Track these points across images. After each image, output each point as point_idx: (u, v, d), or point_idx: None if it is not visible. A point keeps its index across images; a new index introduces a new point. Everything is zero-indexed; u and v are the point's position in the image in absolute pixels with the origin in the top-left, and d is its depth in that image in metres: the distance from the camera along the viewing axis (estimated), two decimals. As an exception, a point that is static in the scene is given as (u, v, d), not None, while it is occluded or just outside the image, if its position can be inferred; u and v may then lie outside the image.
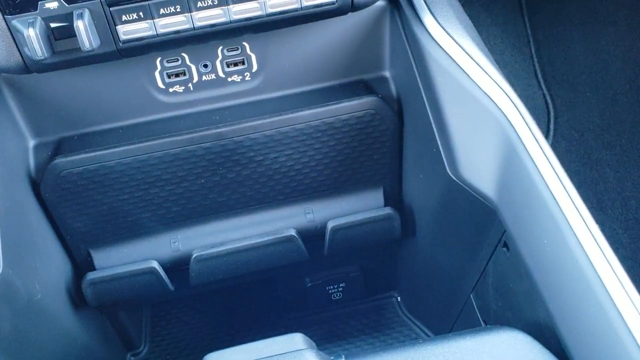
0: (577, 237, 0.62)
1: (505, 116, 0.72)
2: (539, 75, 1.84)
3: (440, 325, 1.04)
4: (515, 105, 0.74)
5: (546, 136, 1.78)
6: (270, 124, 0.87)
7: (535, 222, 0.66)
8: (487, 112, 0.73)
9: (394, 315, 1.14)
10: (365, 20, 0.86)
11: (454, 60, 0.77)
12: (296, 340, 0.63)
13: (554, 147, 1.76)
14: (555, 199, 0.65)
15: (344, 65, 0.90)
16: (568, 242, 0.62)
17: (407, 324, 1.14)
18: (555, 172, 0.67)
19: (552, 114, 1.81)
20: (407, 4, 0.83)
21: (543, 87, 1.84)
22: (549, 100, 1.82)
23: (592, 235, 0.62)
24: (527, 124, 0.73)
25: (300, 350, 0.61)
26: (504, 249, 0.75)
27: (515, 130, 0.71)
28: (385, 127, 0.89)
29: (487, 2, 1.73)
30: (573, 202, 0.65)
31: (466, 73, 0.75)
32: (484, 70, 0.77)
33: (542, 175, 0.66)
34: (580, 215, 0.64)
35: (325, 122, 0.88)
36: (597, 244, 0.62)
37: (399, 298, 1.16)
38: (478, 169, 0.73)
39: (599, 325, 0.58)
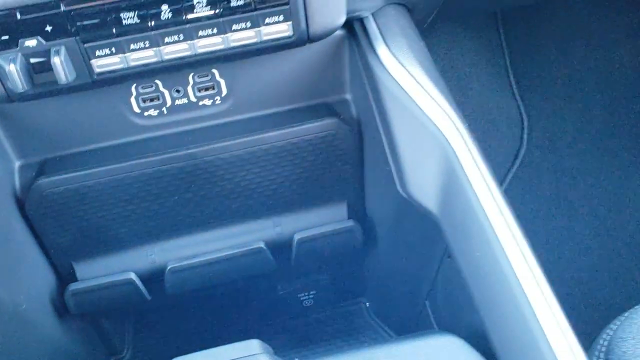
0: (504, 251, 0.68)
1: (446, 138, 0.79)
2: (514, 87, 1.91)
3: (404, 330, 1.11)
4: (456, 128, 0.81)
5: (520, 146, 1.85)
6: (238, 144, 0.94)
7: (470, 236, 0.73)
8: (431, 134, 0.80)
9: (363, 320, 1.21)
10: (326, 47, 0.93)
11: (402, 87, 0.83)
12: (253, 346, 0.69)
13: (528, 156, 1.83)
14: (486, 214, 0.71)
15: (307, 88, 0.97)
16: (497, 255, 0.69)
17: (375, 329, 1.20)
18: (490, 190, 0.74)
19: (525, 124, 1.88)
20: (363, 34, 0.90)
21: (517, 97, 1.90)
22: (522, 111, 1.88)
23: (520, 248, 0.69)
24: (466, 144, 0.79)
25: (254, 355, 0.67)
26: (449, 259, 0.82)
27: (454, 152, 0.78)
28: (346, 147, 0.96)
29: (463, 16, 1.80)
30: (504, 217, 0.71)
31: (413, 99, 0.82)
32: (430, 95, 0.83)
33: (475, 193, 0.73)
34: (510, 229, 0.70)
35: (290, 142, 0.95)
36: (524, 257, 0.69)
37: (367, 304, 1.23)
38: (423, 186, 0.80)
39: (521, 333, 0.65)
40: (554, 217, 1.72)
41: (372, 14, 0.92)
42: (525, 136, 1.86)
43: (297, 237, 0.99)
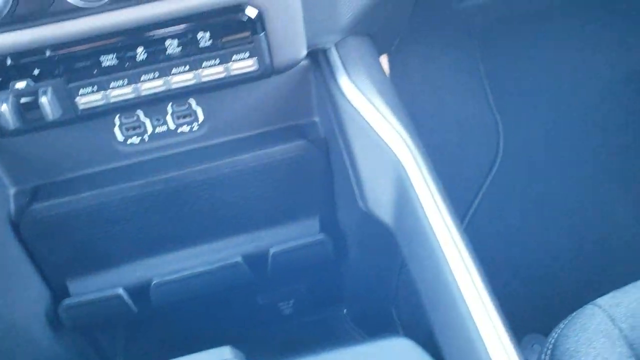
0: (447, 260, 0.76)
1: (399, 159, 0.87)
2: (490, 98, 1.98)
3: (377, 335, 1.19)
4: (409, 148, 0.89)
5: (496, 155, 1.92)
6: (215, 167, 1.02)
7: (418, 245, 0.81)
8: (386, 155, 0.89)
9: (341, 327, 1.29)
10: (293, 76, 1.01)
11: (360, 113, 0.92)
12: (225, 352, 0.77)
13: (503, 164, 1.90)
14: (431, 226, 0.80)
15: (278, 112, 1.05)
16: (440, 264, 0.77)
17: (352, 335, 1.28)
18: (437, 205, 0.82)
19: (501, 134, 1.95)
20: (326, 64, 0.98)
21: (493, 108, 1.98)
22: (499, 121, 1.96)
23: (462, 258, 0.77)
24: (417, 164, 0.88)
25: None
26: (407, 268, 0.90)
27: (405, 170, 0.86)
28: (315, 166, 1.05)
29: (439, 31, 1.87)
30: (448, 228, 0.80)
31: (369, 124, 0.91)
32: (386, 119, 0.92)
33: (423, 207, 0.81)
34: (453, 240, 0.78)
35: (263, 163, 1.03)
36: (465, 265, 0.77)
37: (345, 311, 1.31)
38: (379, 201, 0.89)
39: (461, 336, 0.73)
40: (530, 221, 1.80)
41: (335, 45, 1.00)
42: (501, 145, 1.93)
43: (272, 250, 1.07)
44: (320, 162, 1.04)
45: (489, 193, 1.87)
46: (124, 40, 0.81)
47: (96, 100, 0.86)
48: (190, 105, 1.00)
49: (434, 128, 1.92)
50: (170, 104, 0.99)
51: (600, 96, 1.94)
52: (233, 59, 0.86)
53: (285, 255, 1.08)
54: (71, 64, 0.82)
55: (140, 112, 0.99)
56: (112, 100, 0.87)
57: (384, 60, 1.85)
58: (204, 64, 0.86)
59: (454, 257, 0.76)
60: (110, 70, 0.84)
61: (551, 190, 1.84)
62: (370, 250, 1.03)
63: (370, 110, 0.92)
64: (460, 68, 2.00)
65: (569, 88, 1.96)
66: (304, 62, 0.99)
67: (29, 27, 0.78)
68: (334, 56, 0.98)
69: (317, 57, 1.00)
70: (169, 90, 0.87)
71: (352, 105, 0.93)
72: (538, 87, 1.97)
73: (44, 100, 0.82)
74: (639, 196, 1.82)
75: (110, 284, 1.07)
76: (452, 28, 1.75)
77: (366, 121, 0.91)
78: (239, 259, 1.07)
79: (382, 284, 1.05)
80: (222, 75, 0.88)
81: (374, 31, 1.10)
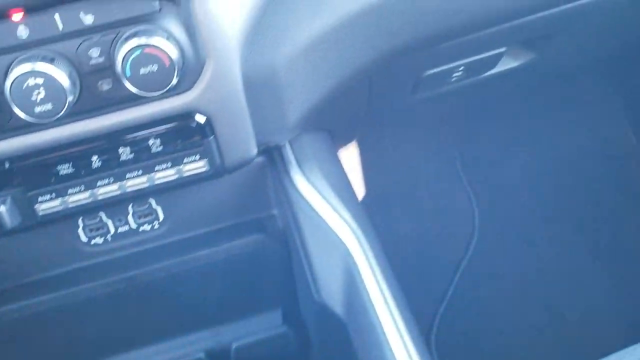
0: (393, 354, 0.78)
1: (351, 253, 0.90)
2: (462, 176, 2.03)
3: None
4: (360, 243, 0.92)
5: (472, 234, 1.95)
6: (176, 264, 1.05)
7: (368, 341, 0.83)
8: (338, 249, 0.92)
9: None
10: (250, 172, 1.05)
11: (314, 209, 0.96)
12: None
13: (479, 243, 1.93)
14: (379, 318, 0.82)
15: (237, 207, 1.09)
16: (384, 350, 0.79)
17: None
18: (385, 299, 0.85)
19: (476, 213, 1.99)
20: (280, 160, 1.03)
21: (467, 186, 2.02)
22: (472, 198, 2.00)
23: (408, 351, 0.79)
24: (367, 258, 0.91)
25: None
26: None
27: (357, 265, 0.89)
28: (274, 259, 1.07)
29: (406, 117, 1.94)
30: (396, 324, 0.82)
31: (323, 219, 0.95)
32: (339, 214, 0.96)
33: (372, 302, 0.84)
34: (401, 336, 0.80)
35: (223, 258, 1.06)
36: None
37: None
38: (332, 294, 0.91)
39: None
40: (507, 300, 1.81)
41: (290, 141, 1.05)
42: (477, 224, 1.96)
43: (234, 345, 1.08)
44: (279, 254, 1.07)
45: (467, 272, 1.88)
46: (79, 150, 0.86)
47: (55, 207, 0.90)
48: (150, 204, 1.04)
49: (408, 210, 1.96)
50: (131, 204, 1.03)
51: (572, 170, 1.99)
52: (184, 161, 0.91)
53: (248, 350, 1.09)
54: (29, 173, 0.86)
55: (102, 214, 1.03)
56: (71, 205, 0.90)
57: (353, 147, 1.91)
58: (157, 167, 0.90)
59: (399, 351, 0.78)
60: (67, 178, 0.88)
61: (526, 272, 1.86)
62: (334, 341, 1.04)
63: (323, 206, 0.97)
64: (432, 149, 2.06)
65: (540, 164, 2.01)
66: (259, 159, 1.04)
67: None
68: (288, 153, 1.03)
69: (272, 153, 1.04)
70: (124, 193, 0.91)
71: (306, 201, 0.97)
72: (510, 164, 2.02)
73: (2, 209, 0.85)
74: (615, 270, 1.83)
75: None
76: (417, 114, 1.82)
77: (319, 216, 0.95)
78: (201, 355, 1.08)
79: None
80: (174, 178, 0.92)
81: (330, 127, 1.15)
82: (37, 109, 0.76)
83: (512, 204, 1.97)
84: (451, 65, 1.16)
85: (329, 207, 0.96)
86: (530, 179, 1.99)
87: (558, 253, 1.88)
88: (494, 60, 1.18)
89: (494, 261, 1.89)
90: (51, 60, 0.75)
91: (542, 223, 1.94)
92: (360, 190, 1.93)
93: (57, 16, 0.75)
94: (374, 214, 1.88)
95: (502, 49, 1.15)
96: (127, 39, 0.76)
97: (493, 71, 1.22)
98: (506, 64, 1.22)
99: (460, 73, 1.19)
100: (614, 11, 1.19)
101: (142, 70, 0.76)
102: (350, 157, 1.90)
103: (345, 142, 1.39)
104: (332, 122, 1.13)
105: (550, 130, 2.02)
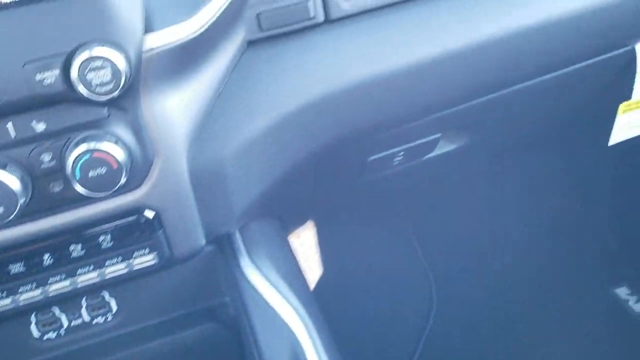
0: None
1: (298, 340, 0.94)
2: (420, 254, 2.08)
3: None
4: (307, 328, 0.96)
5: (430, 307, 1.99)
6: (130, 355, 1.06)
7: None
8: (285, 335, 0.95)
9: None
10: (200, 261, 1.08)
11: (262, 296, 1.00)
12: None
13: (438, 316, 1.96)
14: None
15: (190, 296, 1.11)
16: None
17: None
18: None
19: (433, 287, 2.03)
20: (230, 248, 1.07)
21: (424, 263, 2.07)
22: (430, 276, 2.05)
23: None
24: (314, 343, 0.94)
25: None
26: None
27: (303, 350, 0.92)
28: (227, 347, 1.09)
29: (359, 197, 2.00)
30: None
31: (271, 306, 0.98)
32: (286, 300, 0.99)
33: None
34: None
35: (176, 348, 1.08)
36: None
37: None
38: None
39: None
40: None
41: (239, 229, 1.09)
42: (434, 297, 2.00)
43: None
44: (231, 342, 1.09)
45: (427, 344, 1.91)
46: (30, 249, 0.89)
47: (6, 305, 0.91)
48: (103, 297, 1.06)
49: (365, 286, 2.00)
50: (85, 297, 1.05)
51: (526, 241, 2.06)
52: (134, 255, 0.94)
53: None
54: None
55: (56, 308, 1.04)
56: (22, 303, 0.92)
57: (309, 227, 1.96)
58: (107, 262, 0.93)
59: None
60: (18, 276, 0.90)
61: (489, 341, 1.89)
62: None
63: (271, 293, 1.00)
64: (388, 226, 2.12)
65: (496, 236, 2.08)
66: (210, 248, 1.07)
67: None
68: (238, 241, 1.07)
69: (222, 242, 1.08)
70: (76, 289, 0.94)
71: (255, 289, 1.01)
72: (466, 238, 2.08)
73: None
74: (576, 336, 1.87)
75: None
76: (370, 194, 1.89)
77: (268, 304, 0.99)
78: None
79: None
80: (124, 271, 0.95)
81: (279, 213, 1.20)
82: None
83: (469, 277, 2.02)
84: (392, 150, 1.23)
85: (278, 295, 1.00)
86: (484, 253, 2.05)
87: (514, 321, 1.92)
88: (431, 145, 1.26)
89: (452, 334, 1.92)
90: (4, 166, 0.79)
91: (500, 298, 1.98)
92: (317, 271, 1.97)
93: (10, 125, 0.79)
94: (331, 293, 1.92)
95: (437, 135, 1.23)
96: (77, 144, 0.80)
97: (432, 154, 1.30)
98: (443, 148, 1.29)
99: (401, 157, 1.26)
100: (543, 92, 1.28)
101: (91, 173, 0.80)
102: (306, 237, 1.95)
103: (296, 226, 1.44)
104: (280, 209, 1.18)
105: (505, 203, 2.10)
